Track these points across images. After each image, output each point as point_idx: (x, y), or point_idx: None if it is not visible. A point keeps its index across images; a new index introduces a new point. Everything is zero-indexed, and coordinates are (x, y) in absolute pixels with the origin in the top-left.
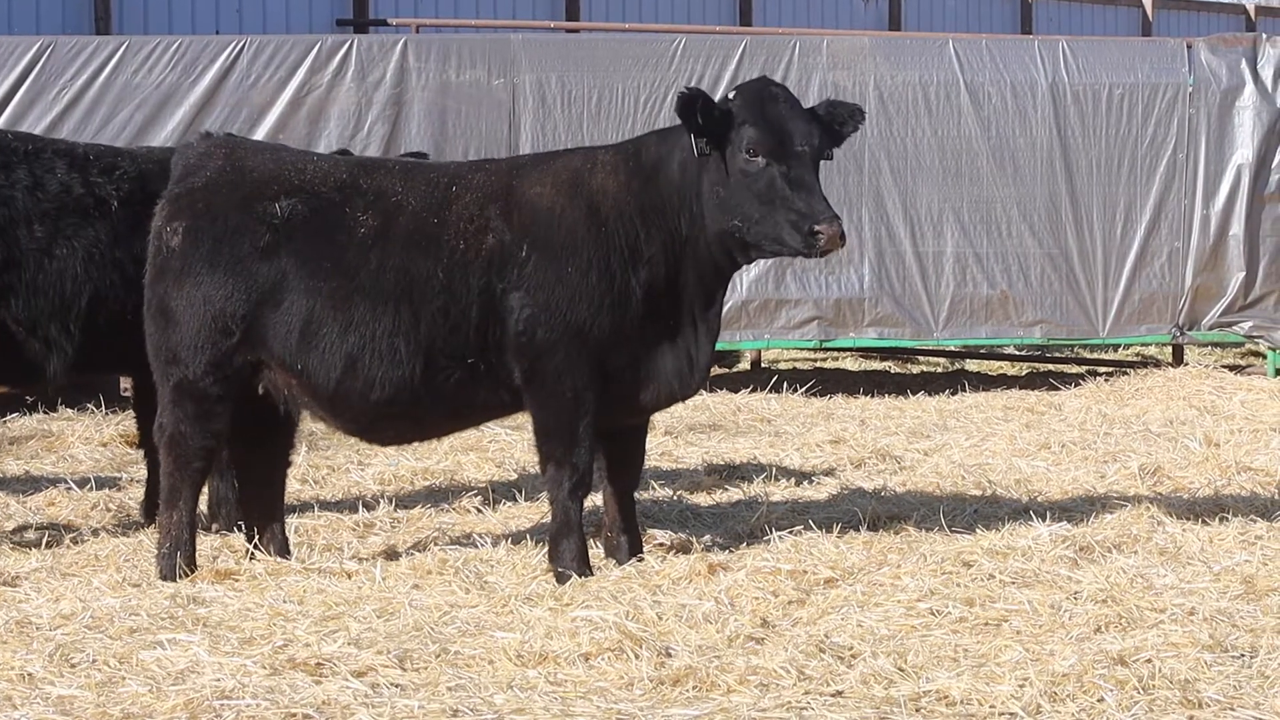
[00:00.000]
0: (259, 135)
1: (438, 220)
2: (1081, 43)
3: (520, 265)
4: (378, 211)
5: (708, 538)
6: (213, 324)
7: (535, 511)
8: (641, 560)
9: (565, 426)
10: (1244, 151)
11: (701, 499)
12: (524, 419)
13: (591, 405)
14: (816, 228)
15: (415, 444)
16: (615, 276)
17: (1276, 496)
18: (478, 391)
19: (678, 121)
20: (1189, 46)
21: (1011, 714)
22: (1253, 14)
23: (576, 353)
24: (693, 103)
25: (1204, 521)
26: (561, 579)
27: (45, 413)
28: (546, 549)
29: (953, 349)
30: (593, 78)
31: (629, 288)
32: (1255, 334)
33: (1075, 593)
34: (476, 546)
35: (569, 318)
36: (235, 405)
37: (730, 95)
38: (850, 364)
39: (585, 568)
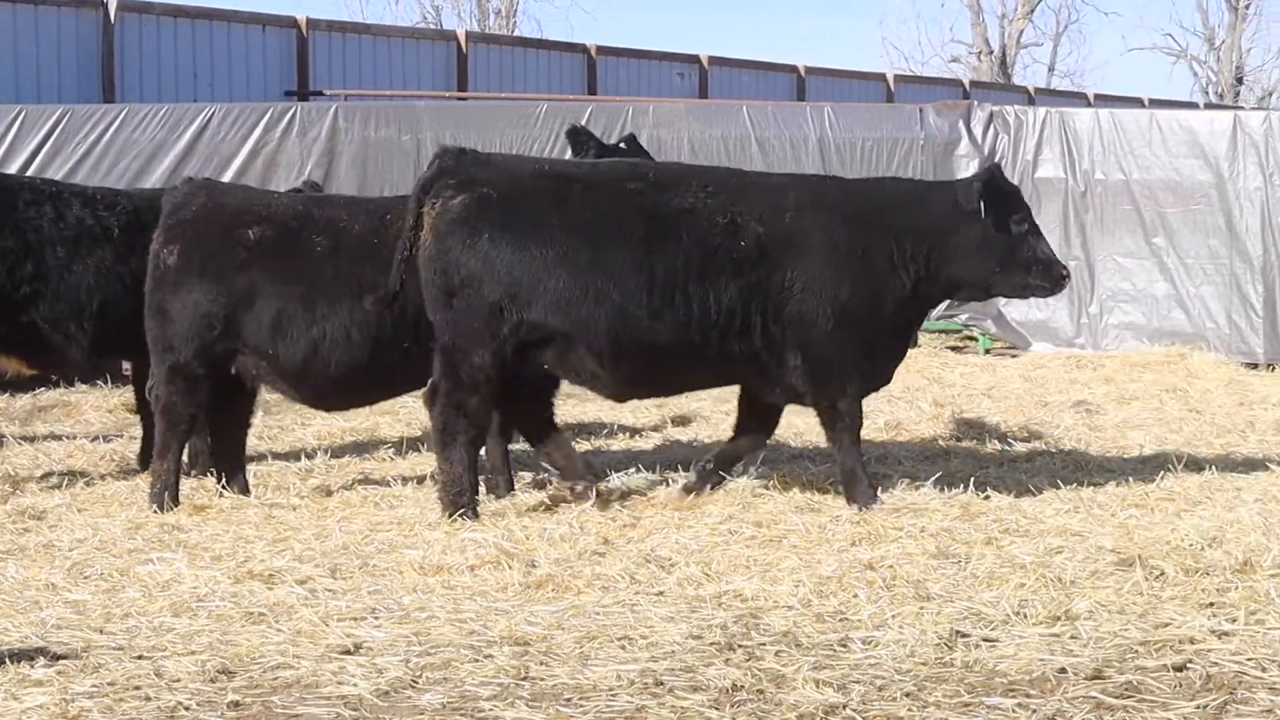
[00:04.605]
0: (226, 179)
1: None
2: (842, 107)
3: None
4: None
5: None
6: (200, 321)
7: (434, 459)
8: (514, 495)
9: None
10: None
11: None
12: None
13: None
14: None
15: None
16: None
17: (987, 443)
18: None
19: None
20: (921, 110)
21: (790, 606)
22: (967, 85)
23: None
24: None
25: (934, 462)
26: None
27: (65, 388)
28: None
29: None
30: (478, 135)
31: None
32: (970, 324)
33: (837, 516)
34: (390, 485)
35: None
36: (212, 382)
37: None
38: None
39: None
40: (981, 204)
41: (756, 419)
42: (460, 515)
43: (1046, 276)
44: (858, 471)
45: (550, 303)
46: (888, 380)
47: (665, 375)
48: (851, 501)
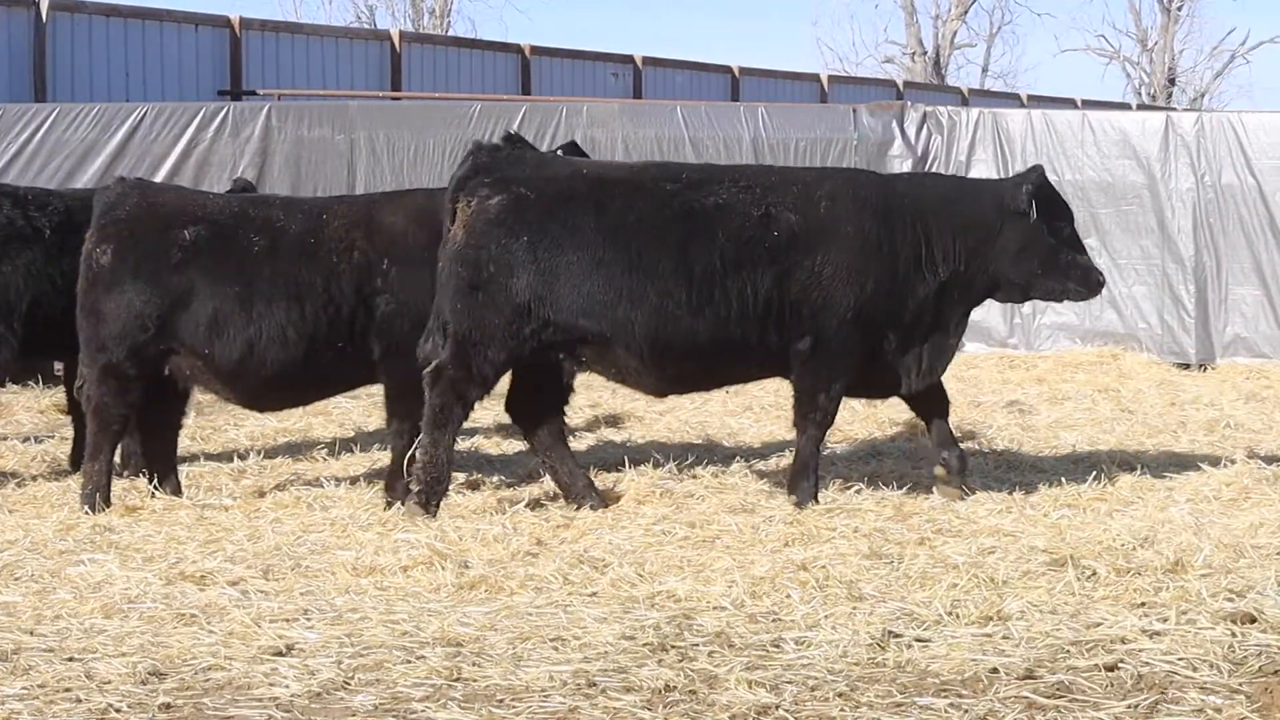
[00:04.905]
0: (159, 178)
1: None
2: (776, 107)
3: None
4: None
5: (497, 477)
6: (133, 321)
7: (367, 460)
8: (447, 496)
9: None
10: None
11: (492, 448)
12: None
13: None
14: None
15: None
16: None
17: (920, 443)
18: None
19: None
20: (854, 110)
21: (723, 607)
22: (901, 86)
23: None
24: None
25: (867, 462)
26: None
27: None
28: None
29: None
30: (410, 135)
31: None
32: None
33: (770, 517)
34: (322, 486)
35: None
36: (145, 383)
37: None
38: None
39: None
40: (1033, 206)
41: (924, 402)
42: (432, 501)
43: (1085, 281)
44: (809, 466)
45: (586, 305)
46: (896, 382)
47: (708, 370)
48: (791, 491)
